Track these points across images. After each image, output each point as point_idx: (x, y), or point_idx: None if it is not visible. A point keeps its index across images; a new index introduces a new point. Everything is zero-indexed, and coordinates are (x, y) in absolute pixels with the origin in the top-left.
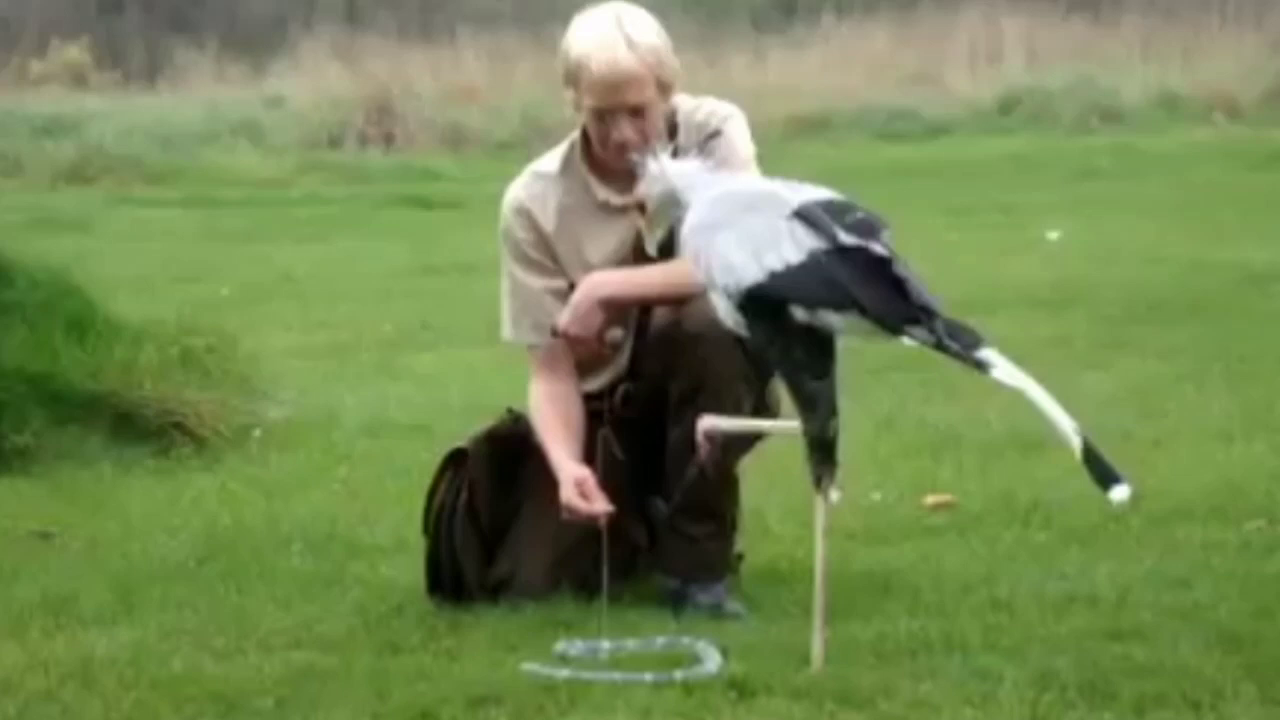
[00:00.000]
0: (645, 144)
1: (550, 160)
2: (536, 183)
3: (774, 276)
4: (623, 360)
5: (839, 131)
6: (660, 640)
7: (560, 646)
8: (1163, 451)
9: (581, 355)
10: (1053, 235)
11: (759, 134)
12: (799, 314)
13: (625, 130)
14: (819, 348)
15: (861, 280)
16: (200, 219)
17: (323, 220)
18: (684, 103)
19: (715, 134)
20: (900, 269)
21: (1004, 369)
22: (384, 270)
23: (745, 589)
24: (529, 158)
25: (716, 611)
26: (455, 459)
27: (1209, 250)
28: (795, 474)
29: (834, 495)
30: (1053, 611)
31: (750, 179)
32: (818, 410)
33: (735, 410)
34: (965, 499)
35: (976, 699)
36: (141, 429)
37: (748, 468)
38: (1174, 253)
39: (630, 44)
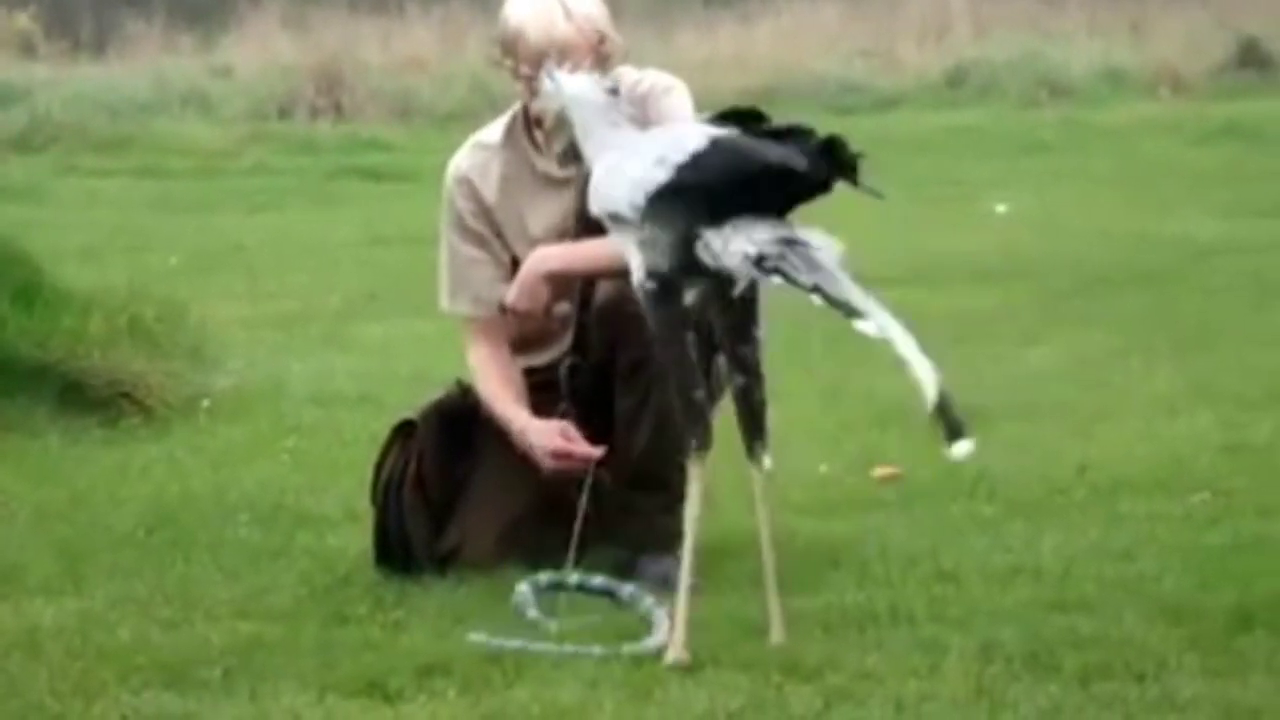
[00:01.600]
0: None
1: (493, 131)
2: (479, 153)
3: (679, 169)
4: (568, 335)
5: (788, 104)
6: (628, 588)
7: (524, 587)
8: (1107, 424)
9: (529, 330)
10: (1001, 208)
11: (707, 108)
12: (705, 253)
13: None
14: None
15: (772, 145)
16: (149, 189)
17: (272, 191)
18: (627, 75)
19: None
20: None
21: (876, 320)
22: (333, 241)
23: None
24: (478, 129)
25: (666, 583)
26: (403, 430)
27: (1155, 224)
28: (741, 446)
29: (766, 463)
30: (998, 583)
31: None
32: (690, 375)
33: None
34: (912, 471)
35: (923, 670)
36: (89, 398)
37: None
38: (1120, 226)
39: (568, 14)
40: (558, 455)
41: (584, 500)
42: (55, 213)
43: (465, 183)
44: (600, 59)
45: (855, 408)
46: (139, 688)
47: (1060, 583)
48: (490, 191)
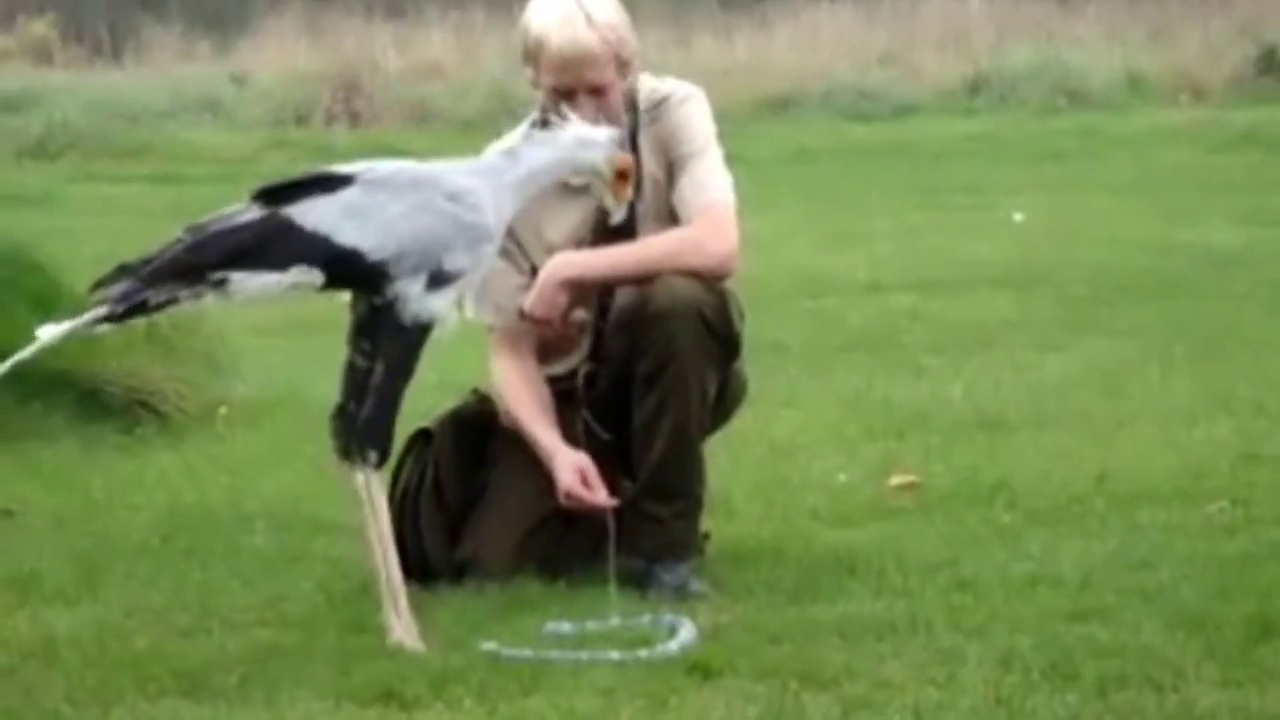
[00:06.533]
0: (605, 123)
1: (511, 139)
2: (508, 153)
3: None
4: (586, 342)
5: (806, 111)
6: (646, 618)
7: (550, 626)
8: (1126, 433)
9: (547, 337)
10: (1018, 216)
11: (725, 114)
12: None
13: (585, 110)
14: None
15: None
16: (166, 196)
17: None
18: (645, 82)
19: (663, 101)
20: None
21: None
22: None
23: (710, 569)
24: (496, 135)
25: (681, 592)
26: (419, 439)
27: (1173, 231)
28: (761, 454)
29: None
30: (1016, 592)
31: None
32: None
33: (700, 390)
34: (930, 480)
35: (940, 679)
36: (106, 406)
37: (715, 448)
38: (1138, 234)
39: (590, 21)
40: (571, 498)
41: (612, 547)
42: (72, 220)
43: None
44: (621, 66)
45: (873, 416)
46: (155, 696)
47: (1079, 592)
48: None
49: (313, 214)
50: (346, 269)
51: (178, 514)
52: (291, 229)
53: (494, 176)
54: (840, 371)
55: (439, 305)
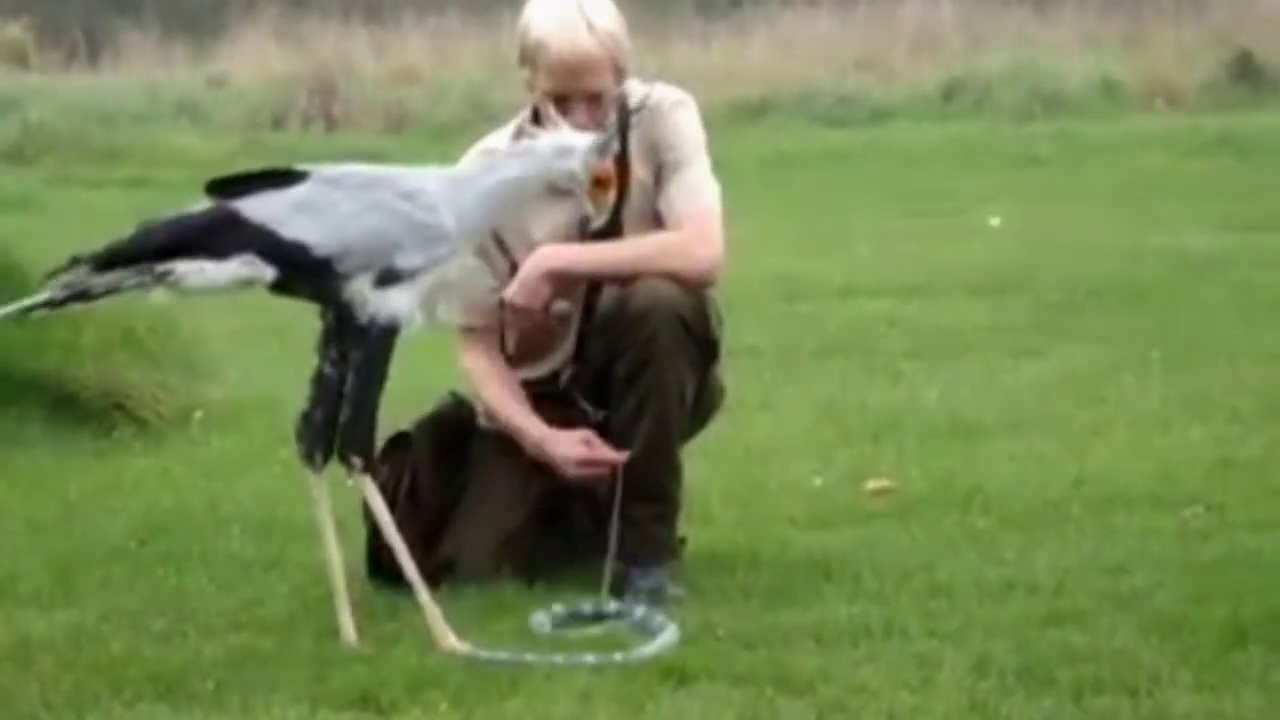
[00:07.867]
0: (596, 129)
1: (499, 138)
2: (483, 160)
3: None
4: (568, 345)
5: (782, 117)
6: (639, 610)
7: (539, 617)
8: (1101, 438)
9: (528, 328)
10: (994, 221)
11: (702, 119)
12: None
13: (580, 116)
14: None
15: None
16: (142, 199)
17: None
18: (635, 88)
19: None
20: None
21: None
22: None
23: (686, 573)
24: (472, 140)
25: (657, 595)
26: (397, 443)
27: (1149, 237)
28: (737, 458)
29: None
30: (992, 597)
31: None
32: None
33: (679, 391)
34: (906, 485)
35: (915, 684)
36: (82, 410)
37: (691, 452)
38: (1114, 239)
39: (591, 27)
40: (583, 463)
41: (616, 516)
42: (48, 223)
43: None
44: (618, 73)
45: (849, 421)
46: (131, 700)
47: (1054, 597)
48: None
49: (261, 207)
50: (293, 263)
51: (154, 518)
52: (238, 221)
53: (461, 182)
54: (816, 376)
55: (397, 304)
